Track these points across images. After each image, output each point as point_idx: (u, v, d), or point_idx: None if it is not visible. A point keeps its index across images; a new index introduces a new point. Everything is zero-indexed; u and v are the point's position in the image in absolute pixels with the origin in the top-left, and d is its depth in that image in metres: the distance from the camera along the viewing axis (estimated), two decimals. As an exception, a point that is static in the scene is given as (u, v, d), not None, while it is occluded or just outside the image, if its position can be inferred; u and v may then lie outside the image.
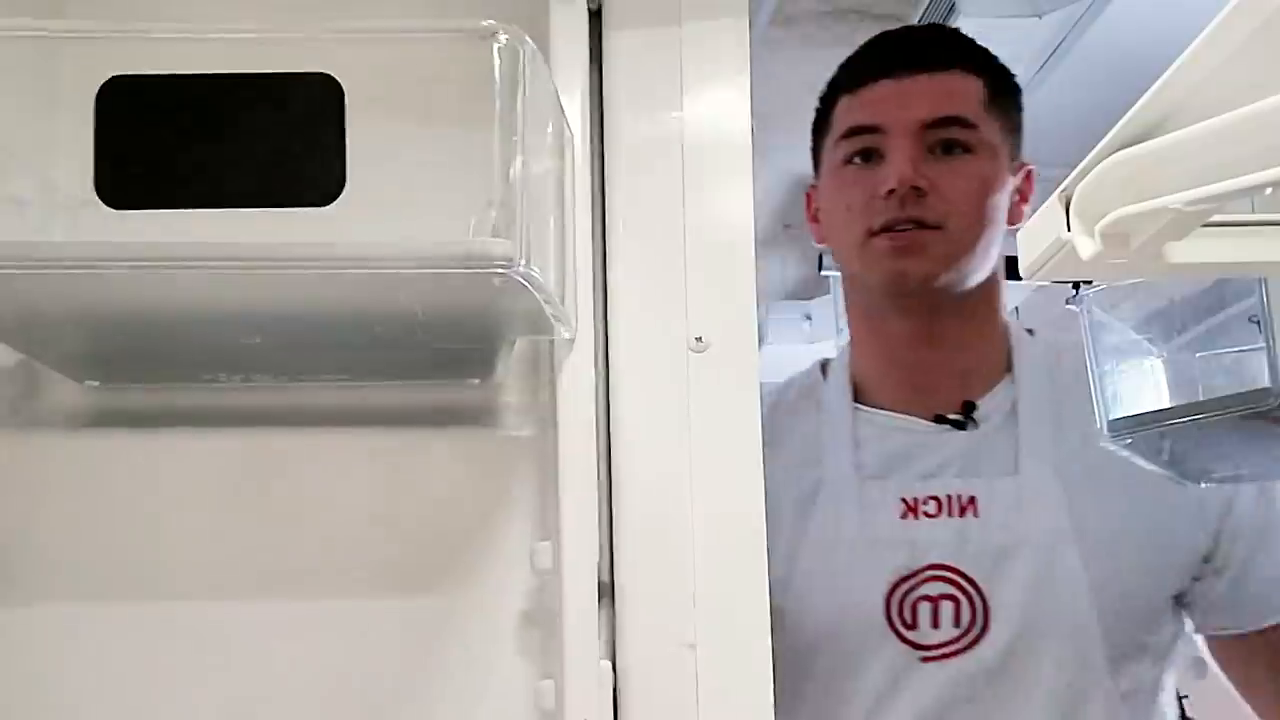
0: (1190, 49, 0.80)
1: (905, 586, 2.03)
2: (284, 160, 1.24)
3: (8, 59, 1.35)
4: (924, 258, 2.05)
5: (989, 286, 2.17)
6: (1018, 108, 2.20)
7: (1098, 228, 0.89)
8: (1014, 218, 2.14)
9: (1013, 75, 2.20)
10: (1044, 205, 0.94)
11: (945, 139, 2.06)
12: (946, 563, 2.03)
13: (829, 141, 2.16)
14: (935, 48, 2.14)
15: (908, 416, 2.15)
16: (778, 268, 7.74)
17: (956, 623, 2.00)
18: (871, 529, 2.05)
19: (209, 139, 1.24)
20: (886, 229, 2.04)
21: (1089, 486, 2.07)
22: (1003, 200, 2.11)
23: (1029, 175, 2.17)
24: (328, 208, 1.20)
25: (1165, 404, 2.20)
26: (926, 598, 2.02)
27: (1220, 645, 2.19)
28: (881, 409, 2.17)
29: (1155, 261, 0.92)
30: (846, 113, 2.14)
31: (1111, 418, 2.23)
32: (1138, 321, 2.28)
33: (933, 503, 2.06)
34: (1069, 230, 0.91)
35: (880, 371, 2.20)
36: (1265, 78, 0.76)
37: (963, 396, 2.15)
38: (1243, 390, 2.03)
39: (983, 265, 2.12)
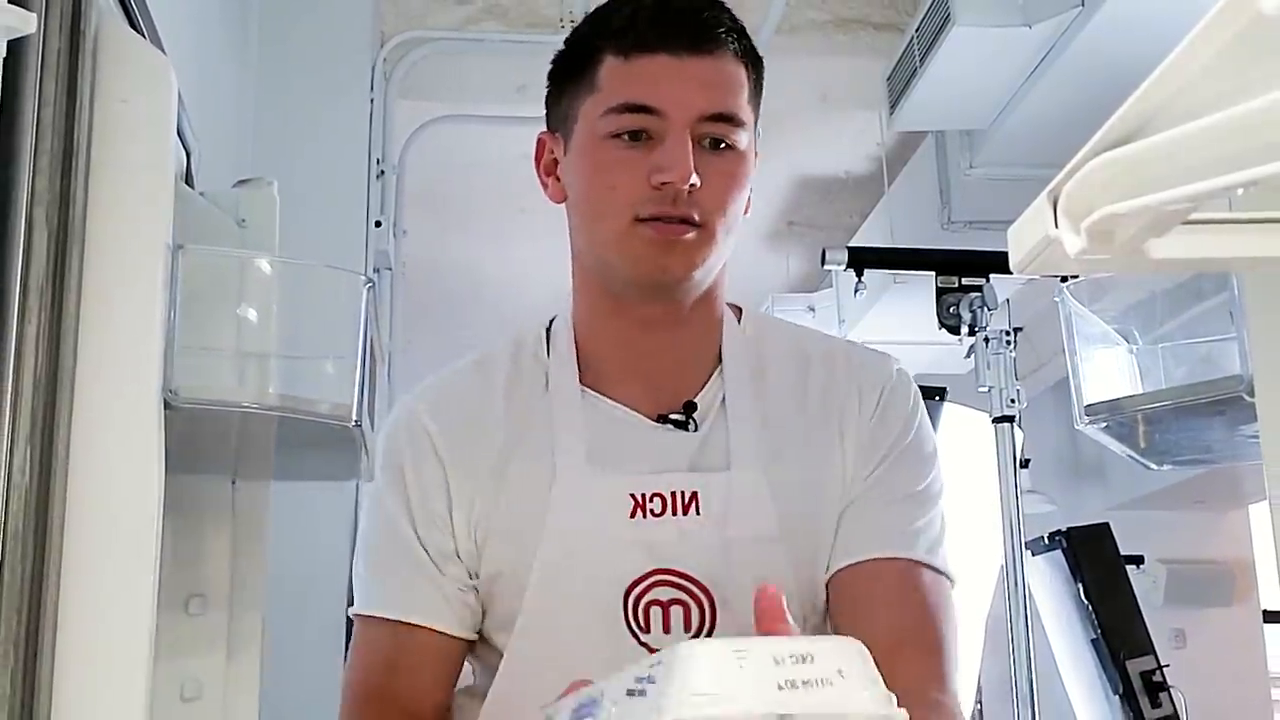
0: (1169, 59, 0.81)
1: (637, 590, 1.93)
2: None
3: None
4: (687, 254, 1.92)
5: (717, 276, 2.05)
6: (761, 96, 2.05)
7: (1083, 225, 0.90)
8: (746, 208, 2.02)
9: (763, 63, 2.05)
10: (1033, 204, 0.94)
11: (716, 135, 1.93)
12: (674, 567, 1.93)
13: (591, 102, 1.97)
14: (712, 28, 1.96)
15: (635, 413, 2.03)
16: (782, 262, 7.75)
17: (687, 626, 1.91)
18: (606, 526, 1.95)
19: None
20: (654, 219, 1.90)
21: (784, 479, 2.00)
22: (747, 194, 2.00)
23: (757, 162, 2.10)
24: None
25: (1140, 390, 2.21)
26: (657, 602, 1.92)
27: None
28: (608, 397, 2.05)
29: (1137, 257, 0.92)
30: (619, 81, 1.95)
31: (1087, 403, 2.24)
32: (1120, 312, 2.28)
33: (658, 500, 1.95)
34: (1056, 227, 0.92)
35: (607, 354, 2.07)
36: (1238, 86, 0.76)
37: (683, 392, 2.05)
38: (1216, 377, 2.04)
39: (724, 259, 2.02)
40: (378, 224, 4.97)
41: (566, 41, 2.05)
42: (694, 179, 1.86)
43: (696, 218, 1.90)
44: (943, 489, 2.09)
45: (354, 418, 1.97)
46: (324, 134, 4.61)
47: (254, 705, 1.96)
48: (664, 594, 1.92)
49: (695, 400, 2.04)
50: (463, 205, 7.31)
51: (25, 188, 1.54)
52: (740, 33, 1.99)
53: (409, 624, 1.98)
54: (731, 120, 1.94)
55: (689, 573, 1.93)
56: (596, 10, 2.03)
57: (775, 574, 1.90)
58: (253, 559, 2.02)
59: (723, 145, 1.93)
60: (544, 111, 2.10)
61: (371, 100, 4.96)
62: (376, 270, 5.00)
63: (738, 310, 2.17)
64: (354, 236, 4.67)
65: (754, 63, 2.01)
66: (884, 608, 1.96)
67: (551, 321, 2.15)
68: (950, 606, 2.03)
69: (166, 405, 1.69)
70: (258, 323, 1.93)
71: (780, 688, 1.13)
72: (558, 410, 2.02)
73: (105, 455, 1.60)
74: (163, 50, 1.99)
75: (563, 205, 2.09)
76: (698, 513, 1.95)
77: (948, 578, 2.01)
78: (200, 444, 1.89)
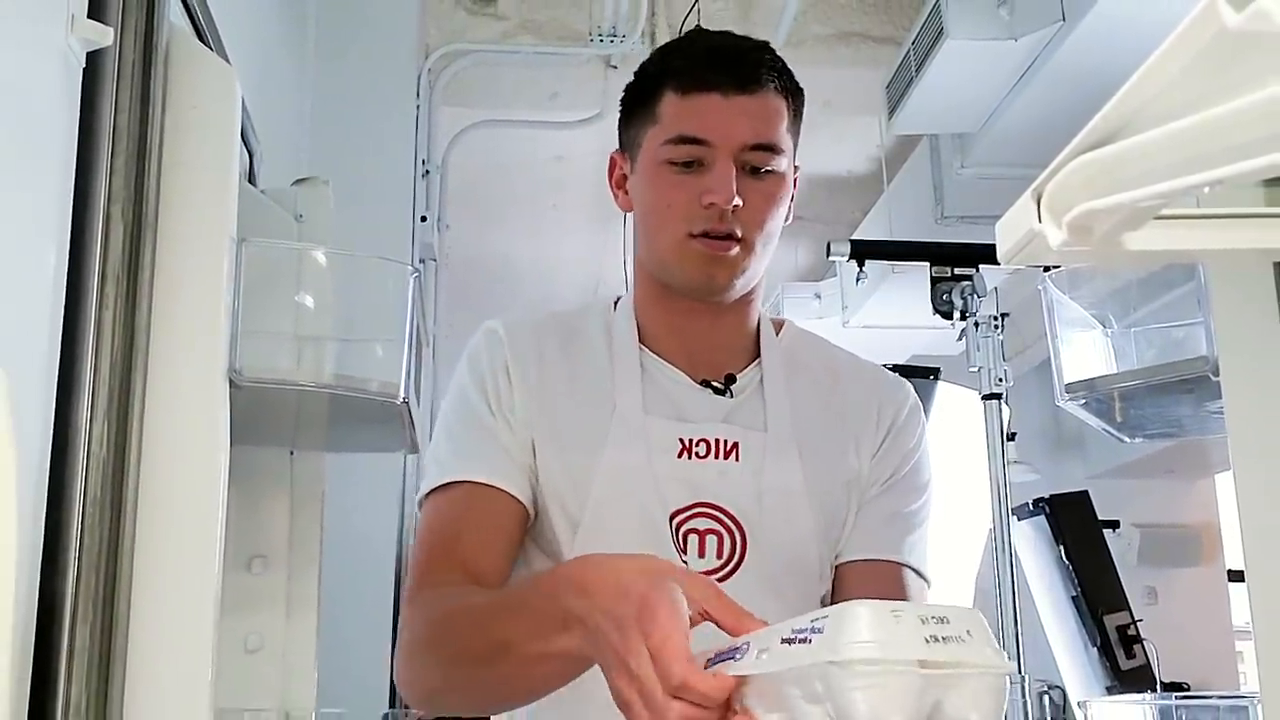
0: (1142, 69, 0.81)
1: (679, 518, 2.03)
2: None
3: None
4: (730, 266, 2.06)
5: (756, 285, 2.18)
6: (801, 123, 2.19)
7: (1064, 220, 0.90)
8: (789, 215, 2.16)
9: (803, 94, 2.18)
10: (1019, 200, 0.94)
11: (756, 162, 2.06)
12: (713, 501, 2.05)
13: (652, 132, 2.11)
14: (756, 68, 2.09)
15: (682, 373, 2.16)
16: (791, 254, 7.75)
17: (719, 554, 2.02)
18: (656, 462, 2.05)
19: None
20: (704, 234, 2.04)
21: (812, 453, 2.12)
22: (786, 210, 2.14)
23: (796, 179, 2.19)
24: None
25: (1115, 370, 2.20)
26: (695, 531, 2.03)
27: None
28: (661, 357, 2.18)
29: (1113, 249, 0.92)
30: (675, 115, 2.09)
31: (1067, 382, 2.23)
32: (1098, 299, 2.28)
33: (703, 444, 2.08)
34: (1040, 222, 0.92)
35: (662, 328, 2.20)
36: (1205, 93, 0.76)
37: (721, 369, 2.17)
38: (1184, 358, 2.03)
39: (763, 268, 2.15)
40: (423, 219, 4.97)
41: (636, 74, 2.17)
42: (736, 200, 2.00)
43: (739, 233, 2.03)
44: (932, 511, 2.24)
45: (401, 395, 1.97)
46: (374, 137, 4.61)
47: (311, 656, 1.96)
48: (702, 524, 2.03)
49: (736, 375, 2.17)
50: (500, 202, 7.31)
51: (103, 186, 1.54)
52: (782, 70, 2.12)
53: (479, 483, 2.02)
54: (771, 149, 2.06)
55: (726, 507, 2.04)
56: (662, 49, 2.18)
57: (801, 522, 2.08)
58: (309, 523, 2.02)
59: (763, 170, 2.06)
60: (616, 132, 2.22)
61: (417, 107, 4.96)
62: (422, 261, 5.00)
63: (780, 323, 2.30)
64: (401, 230, 4.66)
65: (794, 94, 2.14)
66: (875, 593, 2.03)
67: (617, 301, 2.27)
68: (925, 599, 2.21)
69: (231, 384, 1.69)
70: (314, 309, 1.93)
71: (926, 641, 1.29)
72: (619, 361, 2.15)
73: (175, 429, 1.60)
74: (228, 61, 1.99)
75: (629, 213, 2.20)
76: (737, 459, 2.07)
77: (927, 581, 2.20)
78: (261, 419, 1.89)
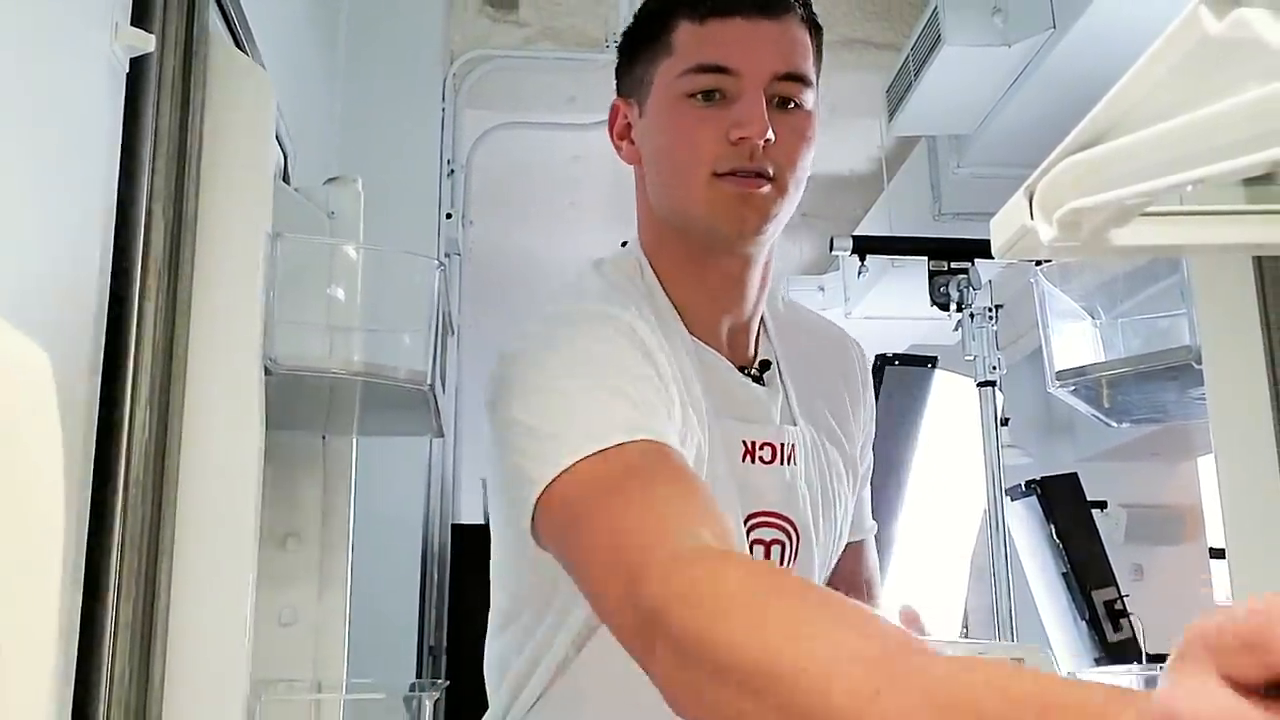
0: (1129, 74, 0.81)
1: (746, 525, 1.84)
2: None
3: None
4: (762, 206, 1.80)
5: (773, 246, 1.94)
6: (822, 62, 1.93)
7: (1055, 216, 0.89)
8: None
9: (823, 33, 1.92)
10: (1012, 198, 0.94)
11: (786, 94, 1.82)
12: (777, 510, 1.87)
13: (666, 65, 1.86)
14: None
15: (727, 361, 1.92)
16: (796, 248, 7.74)
17: (782, 561, 1.86)
18: (726, 466, 1.83)
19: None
20: (731, 173, 1.79)
21: (830, 436, 2.00)
22: (813, 151, 1.88)
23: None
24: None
25: (1103, 359, 2.20)
26: (760, 541, 1.85)
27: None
28: (707, 344, 1.91)
29: (1101, 244, 0.92)
30: (694, 44, 1.83)
31: (1058, 370, 2.23)
32: (1086, 292, 2.27)
33: (768, 449, 1.87)
34: (1032, 219, 0.91)
35: (699, 309, 1.91)
36: (1188, 97, 0.76)
37: (745, 346, 1.96)
38: (1168, 347, 2.03)
39: (791, 212, 1.87)
40: (448, 216, 4.97)
41: (637, 15, 1.95)
42: (769, 134, 1.77)
43: (770, 172, 1.80)
44: None
45: (428, 382, 1.97)
46: (402, 138, 4.61)
47: (342, 629, 1.97)
48: (767, 534, 1.86)
49: (764, 359, 1.99)
50: (521, 199, 7.30)
51: (145, 185, 1.54)
52: (804, 1, 1.89)
53: (662, 444, 1.57)
54: (801, 80, 1.84)
55: (789, 515, 1.89)
56: None
57: (836, 513, 1.98)
58: (340, 503, 2.03)
59: (791, 104, 1.84)
60: (614, 82, 1.99)
61: (443, 109, 4.95)
62: (447, 255, 5.00)
63: None
64: (427, 226, 4.66)
65: (815, 29, 1.90)
66: (855, 568, 2.17)
67: (637, 263, 1.97)
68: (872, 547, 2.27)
69: (266, 371, 1.69)
70: (345, 301, 1.93)
71: None
72: (679, 356, 1.85)
73: (214, 414, 1.60)
74: (263, 67, 1.99)
75: (632, 169, 1.98)
76: (795, 463, 1.91)
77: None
78: (295, 405, 1.89)
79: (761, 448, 1.88)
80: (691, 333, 1.90)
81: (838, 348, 2.16)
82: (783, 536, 1.87)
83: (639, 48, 1.92)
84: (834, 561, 2.04)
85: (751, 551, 1.82)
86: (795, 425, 1.95)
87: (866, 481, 2.17)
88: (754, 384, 1.94)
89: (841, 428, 2.05)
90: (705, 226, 1.84)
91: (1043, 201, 0.91)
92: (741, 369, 1.94)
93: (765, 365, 1.97)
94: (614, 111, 1.98)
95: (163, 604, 1.50)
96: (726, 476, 1.82)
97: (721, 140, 1.78)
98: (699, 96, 1.81)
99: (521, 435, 1.62)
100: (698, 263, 1.91)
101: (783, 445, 1.90)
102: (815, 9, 1.91)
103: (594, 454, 1.51)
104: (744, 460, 1.86)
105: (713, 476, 1.76)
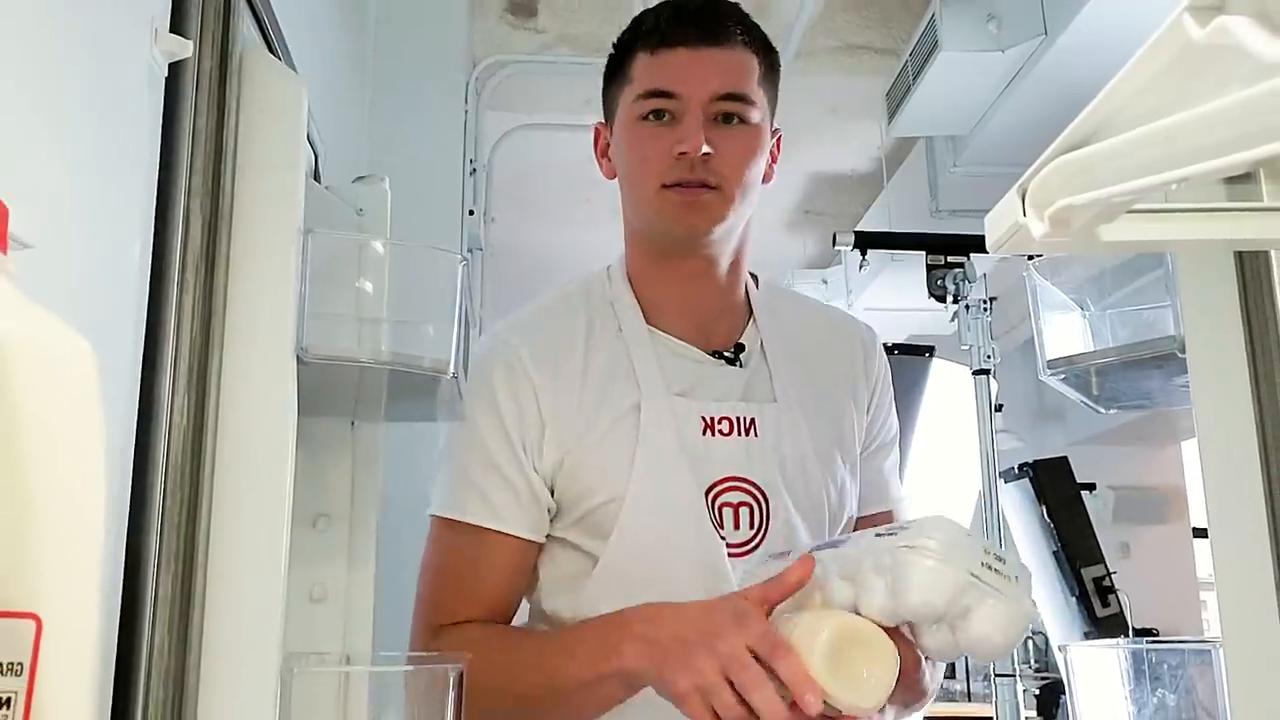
0: (1117, 78, 0.81)
1: (713, 493, 1.96)
2: None
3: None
4: (706, 213, 1.96)
5: (743, 237, 2.08)
6: (778, 82, 2.08)
7: (1046, 213, 0.90)
8: (767, 176, 2.06)
9: (777, 53, 2.07)
10: (1005, 196, 0.94)
11: (727, 111, 1.95)
12: (742, 475, 1.98)
13: (627, 92, 2.03)
14: (725, 24, 1.99)
15: (692, 347, 2.07)
16: (800, 244, 7.73)
17: (751, 524, 1.96)
18: (686, 442, 1.97)
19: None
20: (677, 184, 1.94)
21: (815, 414, 2.07)
22: (763, 163, 2.03)
23: (779, 140, 2.08)
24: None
25: (1092, 348, 2.19)
26: (729, 504, 1.96)
27: None
28: (670, 334, 2.07)
29: (1090, 239, 0.92)
30: (646, 72, 2.00)
31: (1049, 358, 2.22)
32: (1076, 285, 2.27)
33: (725, 422, 2.00)
34: (1024, 215, 0.91)
35: (663, 301, 2.09)
36: (1173, 100, 0.76)
37: (726, 334, 2.09)
38: (1154, 337, 2.03)
39: (744, 219, 2.03)
40: (470, 213, 4.97)
41: (613, 46, 2.10)
42: (705, 148, 1.90)
43: (712, 182, 1.93)
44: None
45: (451, 371, 1.97)
46: (426, 139, 4.61)
47: (369, 605, 1.97)
48: (734, 497, 1.97)
49: (743, 342, 2.09)
50: (539, 197, 7.31)
51: (183, 183, 1.54)
52: (749, 26, 2.02)
53: (491, 530, 1.97)
54: (741, 99, 1.96)
55: (752, 479, 1.98)
56: (634, 19, 2.07)
57: (815, 484, 2.04)
58: (368, 486, 2.02)
59: (735, 120, 1.96)
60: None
61: (465, 111, 4.95)
62: (469, 250, 5.00)
63: (754, 278, 2.20)
64: (451, 223, 4.66)
65: (765, 50, 2.03)
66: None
67: (608, 270, 2.18)
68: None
69: (298, 361, 1.69)
70: (372, 293, 1.92)
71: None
72: (633, 347, 2.04)
73: (248, 402, 1.60)
74: (295, 70, 1.99)
75: (615, 181, 2.13)
76: (756, 435, 2.00)
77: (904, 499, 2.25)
78: (325, 392, 1.89)
79: (720, 421, 2.00)
80: (651, 323, 2.07)
81: (839, 335, 2.23)
82: (749, 500, 1.97)
83: (610, 78, 2.10)
84: (846, 522, 2.11)
85: (721, 514, 1.96)
86: (775, 401, 2.05)
87: (887, 456, 2.21)
88: (721, 363, 2.06)
89: (835, 405, 2.13)
90: (660, 231, 2.02)
91: (1034, 199, 0.91)
92: (716, 353, 2.06)
93: (740, 347, 2.08)
94: (596, 134, 2.16)
95: (200, 580, 1.50)
96: (677, 449, 1.96)
97: (667, 156, 1.94)
98: (650, 117, 1.98)
99: (443, 458, 2.11)
100: (662, 262, 2.08)
101: (739, 419, 2.01)
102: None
103: (451, 518, 2.02)
104: (704, 434, 1.99)
105: (660, 448, 1.96)
